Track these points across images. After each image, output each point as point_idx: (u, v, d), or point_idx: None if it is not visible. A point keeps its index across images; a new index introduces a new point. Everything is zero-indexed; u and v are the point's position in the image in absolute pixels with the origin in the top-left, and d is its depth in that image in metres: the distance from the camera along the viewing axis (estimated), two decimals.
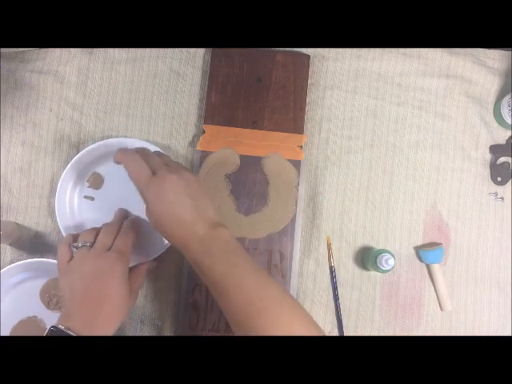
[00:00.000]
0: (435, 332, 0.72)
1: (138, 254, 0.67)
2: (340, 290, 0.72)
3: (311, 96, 0.75)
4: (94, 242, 0.61)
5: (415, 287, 0.73)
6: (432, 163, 0.75)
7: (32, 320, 0.69)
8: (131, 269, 0.62)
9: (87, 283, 0.57)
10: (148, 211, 0.55)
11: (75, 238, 0.64)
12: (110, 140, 0.72)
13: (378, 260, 0.66)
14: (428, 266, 0.73)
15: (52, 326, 0.52)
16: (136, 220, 0.68)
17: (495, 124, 0.76)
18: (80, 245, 0.61)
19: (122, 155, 0.57)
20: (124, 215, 0.70)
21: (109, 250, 0.60)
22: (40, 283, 0.70)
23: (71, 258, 0.61)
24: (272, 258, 0.70)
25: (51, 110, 0.74)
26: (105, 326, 0.56)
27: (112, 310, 0.57)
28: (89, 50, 0.75)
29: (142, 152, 0.58)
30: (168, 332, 0.71)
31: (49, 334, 0.52)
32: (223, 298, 0.52)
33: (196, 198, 0.55)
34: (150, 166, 0.56)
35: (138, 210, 0.71)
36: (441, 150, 0.75)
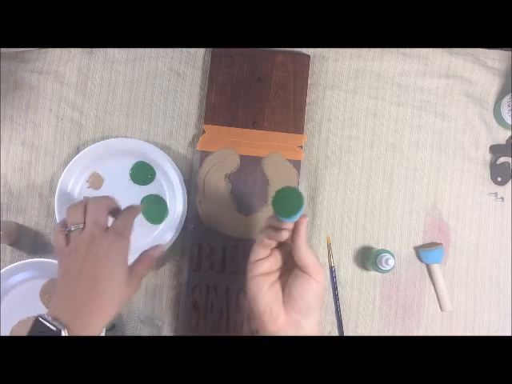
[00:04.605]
0: (435, 332, 0.72)
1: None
2: (340, 290, 0.72)
3: (311, 96, 0.75)
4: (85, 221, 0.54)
5: (415, 287, 0.73)
6: (432, 163, 0.75)
7: (32, 320, 0.69)
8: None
9: (80, 268, 0.51)
10: None
11: (66, 221, 0.57)
12: (109, 140, 0.72)
13: (378, 260, 0.66)
14: (428, 266, 0.73)
15: (38, 316, 0.49)
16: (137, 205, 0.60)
17: (495, 124, 0.76)
18: (72, 228, 0.54)
19: None
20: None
21: (106, 229, 0.53)
22: (40, 283, 0.70)
23: (68, 243, 0.54)
24: None
25: (51, 110, 0.74)
26: (95, 315, 0.50)
27: (105, 298, 0.51)
28: (89, 49, 0.75)
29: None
30: (168, 332, 0.71)
31: (34, 324, 0.49)
32: None
33: None
34: None
35: None
36: (441, 150, 0.75)
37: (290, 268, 0.51)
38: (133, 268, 0.54)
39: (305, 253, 0.48)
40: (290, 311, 0.48)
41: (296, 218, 0.47)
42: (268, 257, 0.50)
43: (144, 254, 0.56)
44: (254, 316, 0.50)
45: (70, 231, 0.54)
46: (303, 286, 0.48)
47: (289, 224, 0.48)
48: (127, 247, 0.53)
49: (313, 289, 0.48)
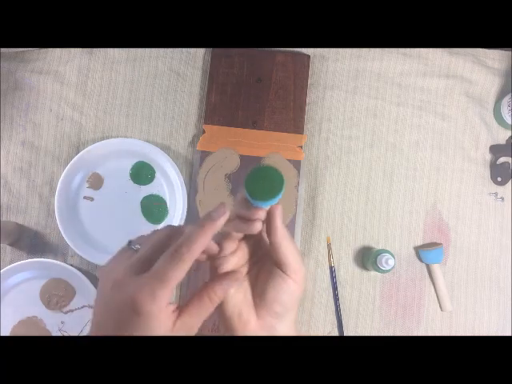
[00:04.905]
0: (435, 332, 0.72)
1: None
2: (340, 290, 0.72)
3: (311, 96, 0.75)
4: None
5: (415, 287, 0.73)
6: (432, 163, 0.75)
7: (32, 320, 0.69)
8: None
9: (102, 314, 0.40)
10: None
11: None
12: (109, 140, 0.72)
13: (378, 260, 0.66)
14: (428, 266, 0.73)
15: None
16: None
17: (495, 124, 0.76)
18: (132, 247, 0.41)
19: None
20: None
21: (145, 270, 0.37)
22: (40, 283, 0.70)
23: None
24: None
25: (51, 110, 0.74)
26: None
27: None
28: (89, 49, 0.75)
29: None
30: None
31: None
32: None
33: None
34: None
35: (137, 212, 0.71)
36: (441, 150, 0.75)
37: (257, 261, 0.43)
38: (183, 315, 0.40)
39: (286, 248, 0.40)
40: (264, 316, 0.42)
41: (274, 203, 0.39)
42: (235, 251, 0.42)
43: (207, 290, 0.39)
44: (221, 320, 0.43)
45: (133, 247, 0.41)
46: (280, 286, 0.41)
47: (261, 213, 0.40)
48: (169, 295, 0.37)
49: (289, 289, 0.41)
